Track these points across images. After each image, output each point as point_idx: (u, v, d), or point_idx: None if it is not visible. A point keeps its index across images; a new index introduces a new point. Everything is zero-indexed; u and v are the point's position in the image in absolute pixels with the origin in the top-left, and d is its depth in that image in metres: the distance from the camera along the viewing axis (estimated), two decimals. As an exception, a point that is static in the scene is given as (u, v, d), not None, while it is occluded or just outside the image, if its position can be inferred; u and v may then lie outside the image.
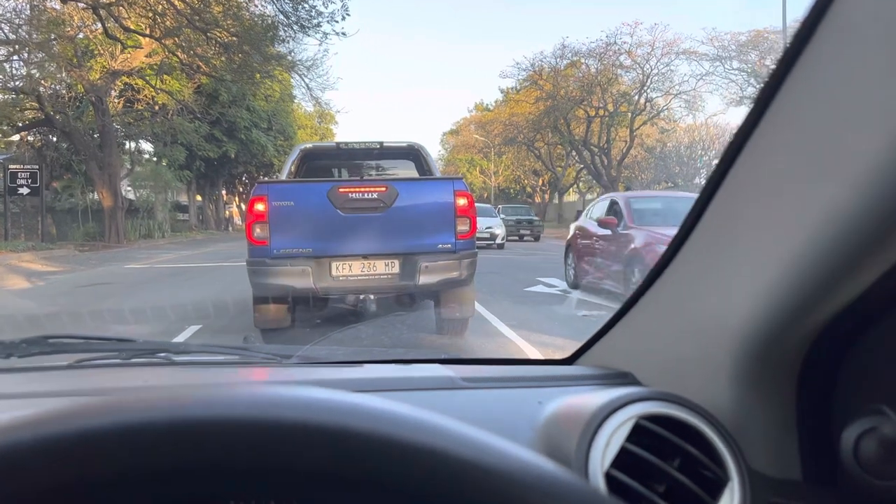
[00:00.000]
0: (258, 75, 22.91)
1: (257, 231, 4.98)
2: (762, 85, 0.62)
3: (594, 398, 0.76)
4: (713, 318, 0.76)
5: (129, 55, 22.01)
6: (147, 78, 24.25)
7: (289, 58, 23.01)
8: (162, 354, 1.26)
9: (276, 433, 0.35)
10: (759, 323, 0.68)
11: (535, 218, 25.47)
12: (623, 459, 0.69)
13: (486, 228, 18.82)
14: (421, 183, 5.83)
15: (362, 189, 5.11)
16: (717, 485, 0.69)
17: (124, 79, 24.25)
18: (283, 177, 6.43)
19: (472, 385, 1.01)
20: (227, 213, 43.93)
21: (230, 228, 41.74)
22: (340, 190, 5.06)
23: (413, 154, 6.94)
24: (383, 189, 5.12)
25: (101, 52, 22.13)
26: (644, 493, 0.67)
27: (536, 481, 0.37)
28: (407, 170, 7.29)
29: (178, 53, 21.90)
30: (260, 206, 4.97)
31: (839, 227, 0.55)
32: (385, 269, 5.11)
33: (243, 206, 48.61)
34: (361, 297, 5.39)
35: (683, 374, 0.84)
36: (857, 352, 0.68)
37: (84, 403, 0.37)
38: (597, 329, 1.11)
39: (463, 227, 5.19)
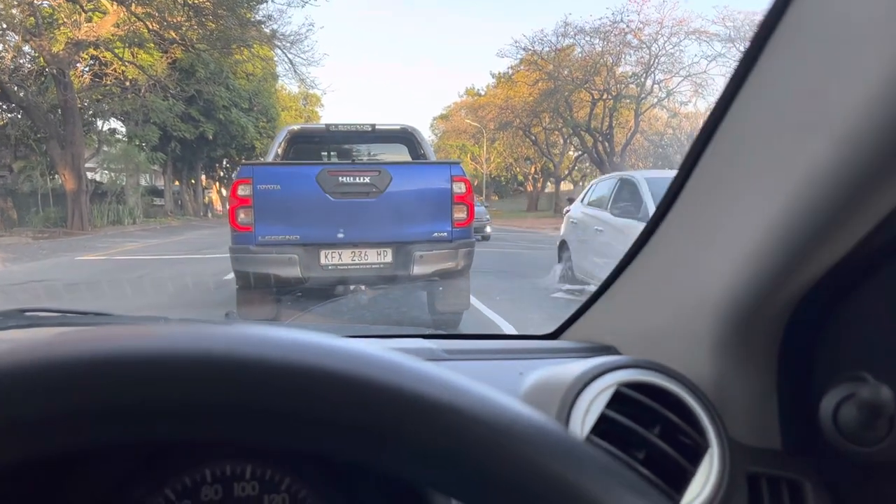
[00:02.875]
0: (234, 45, 20.98)
1: (241, 216, 4.66)
2: (742, 54, 0.61)
3: (575, 367, 0.76)
4: (694, 288, 0.77)
5: (95, 24, 20.02)
6: (115, 50, 22.16)
7: (269, 25, 21.02)
8: None
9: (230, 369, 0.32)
10: (739, 292, 0.68)
11: None
12: (603, 427, 0.69)
13: None
14: (416, 167, 5.48)
15: (353, 173, 4.82)
16: (697, 452, 0.69)
17: (91, 51, 22.27)
18: (270, 159, 6.00)
19: (454, 357, 1.00)
20: (206, 198, 41.85)
21: (209, 215, 39.74)
22: (330, 174, 4.74)
23: (407, 137, 6.49)
24: (376, 173, 4.81)
25: (66, 21, 20.12)
26: (624, 458, 0.66)
27: (526, 430, 0.35)
28: (400, 154, 6.91)
29: (148, 22, 19.94)
30: (244, 190, 4.64)
31: (816, 189, 0.54)
32: (377, 258, 4.84)
33: (224, 191, 46.70)
34: (352, 287, 5.01)
35: (665, 346, 0.85)
36: (837, 318, 0.68)
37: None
38: (581, 304, 1.10)
39: (460, 214, 4.92)
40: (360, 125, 6.19)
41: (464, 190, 4.92)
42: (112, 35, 21.07)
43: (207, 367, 0.31)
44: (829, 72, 0.52)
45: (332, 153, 7.68)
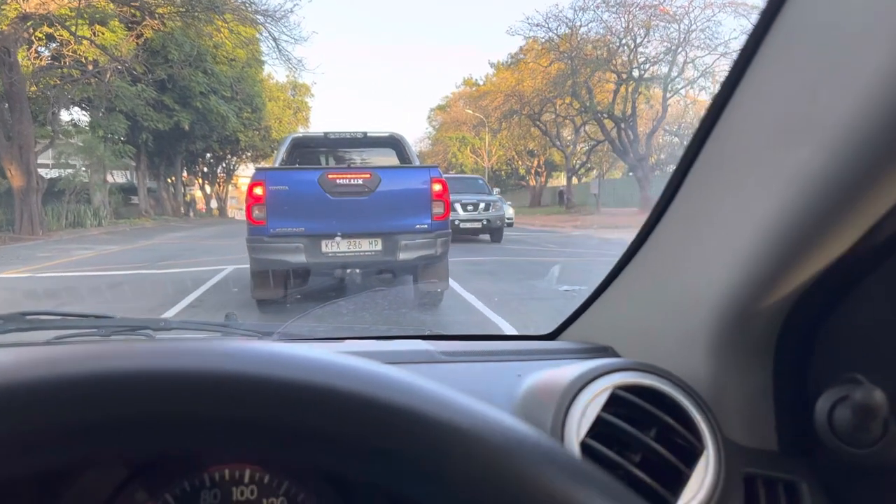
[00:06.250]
0: (201, 11, 18.06)
1: (256, 212, 5.52)
2: (737, 55, 0.62)
3: (571, 370, 0.76)
4: (690, 290, 0.77)
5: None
6: (70, 27, 19.16)
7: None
8: (142, 331, 1.27)
9: (217, 383, 0.34)
10: (735, 293, 0.68)
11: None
12: (599, 429, 0.69)
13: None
14: (401, 170, 6.49)
15: (349, 175, 5.72)
16: (693, 454, 0.69)
17: (46, 28, 19.36)
18: (277, 164, 6.92)
19: (452, 359, 1.00)
20: (187, 196, 38.73)
21: (191, 214, 36.69)
22: (329, 176, 5.62)
23: (394, 143, 7.47)
24: (367, 175, 5.72)
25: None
26: (619, 462, 0.67)
27: (503, 440, 0.35)
28: (389, 157, 7.77)
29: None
30: (258, 190, 5.52)
31: (810, 193, 0.55)
32: (369, 246, 5.68)
33: (208, 188, 43.72)
34: (348, 271, 5.89)
35: (662, 347, 0.85)
36: (833, 320, 0.69)
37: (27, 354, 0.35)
38: (578, 304, 1.10)
39: (438, 209, 5.78)
40: (353, 133, 7.14)
41: (441, 189, 5.75)
42: (68, 8, 18.25)
43: (192, 383, 0.33)
44: (821, 76, 0.52)
45: (329, 157, 8.46)
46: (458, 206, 13.10)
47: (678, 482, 0.67)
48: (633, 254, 0.91)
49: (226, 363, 0.34)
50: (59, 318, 1.27)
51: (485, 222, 13.64)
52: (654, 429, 0.70)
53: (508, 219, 16.69)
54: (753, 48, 0.59)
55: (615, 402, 0.71)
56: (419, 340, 1.11)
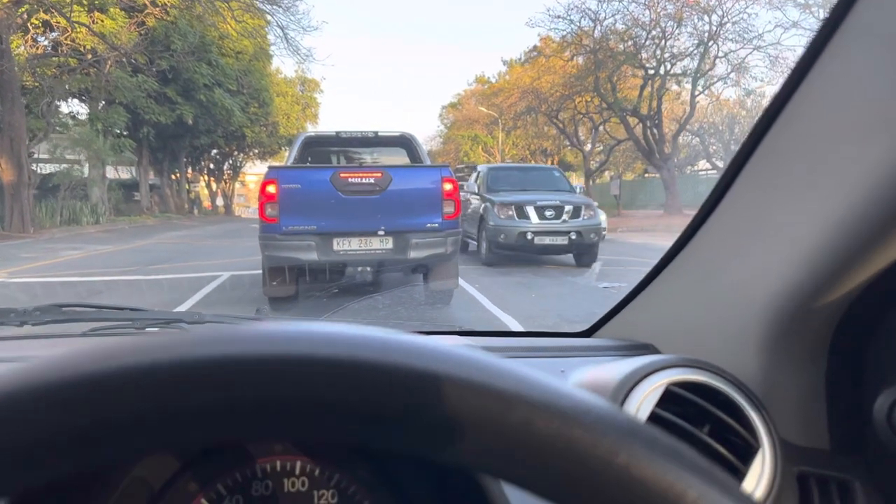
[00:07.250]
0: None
1: (269, 210, 5.64)
2: (806, 46, 0.61)
3: (621, 366, 0.76)
4: (742, 287, 0.76)
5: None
6: (65, 12, 18.11)
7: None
8: (176, 324, 1.28)
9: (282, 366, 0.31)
10: (793, 291, 0.67)
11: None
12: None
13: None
14: (412, 169, 6.55)
15: (361, 174, 5.84)
16: (747, 452, 0.68)
17: (42, 15, 18.36)
18: (290, 162, 7.11)
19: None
20: (192, 193, 37.64)
21: (196, 211, 35.63)
22: (341, 175, 5.75)
23: (405, 142, 7.52)
24: (379, 175, 5.82)
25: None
26: None
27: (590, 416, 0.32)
28: (399, 156, 7.85)
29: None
30: (271, 189, 5.65)
31: (883, 189, 0.53)
32: (380, 244, 5.78)
33: (214, 185, 42.70)
34: (359, 269, 5.92)
35: (709, 345, 0.83)
36: (891, 319, 0.67)
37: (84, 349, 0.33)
38: (616, 302, 1.08)
39: (448, 209, 5.88)
40: (364, 132, 7.35)
41: (451, 188, 5.90)
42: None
43: (282, 367, 0.31)
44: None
45: (341, 156, 8.54)
46: (530, 211, 9.13)
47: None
48: (677, 252, 0.89)
49: (325, 347, 0.31)
50: (94, 310, 1.29)
51: (573, 236, 8.93)
52: (707, 426, 0.69)
53: (603, 229, 10.46)
54: (823, 41, 0.57)
55: (666, 399, 0.70)
56: (457, 336, 1.11)
